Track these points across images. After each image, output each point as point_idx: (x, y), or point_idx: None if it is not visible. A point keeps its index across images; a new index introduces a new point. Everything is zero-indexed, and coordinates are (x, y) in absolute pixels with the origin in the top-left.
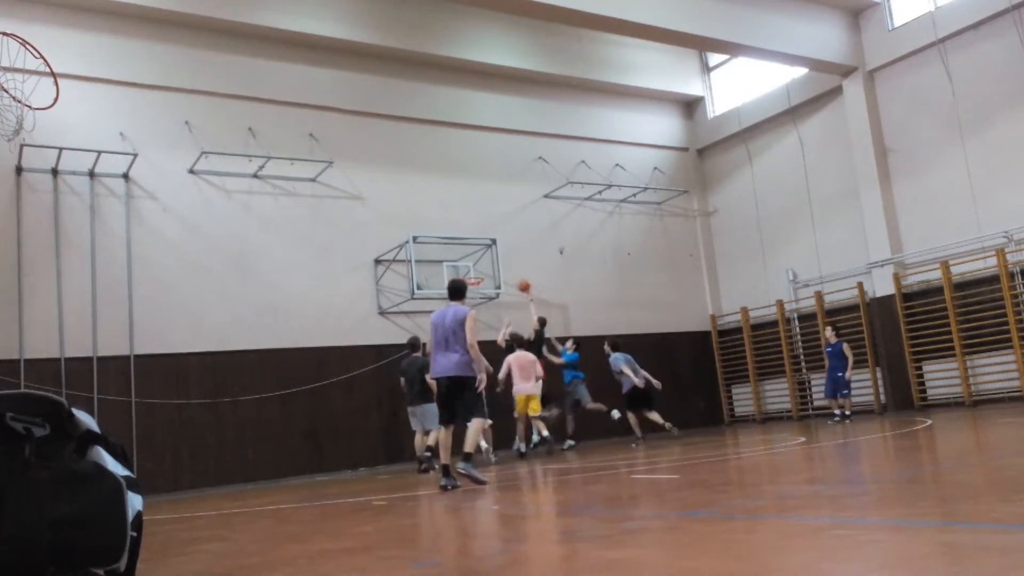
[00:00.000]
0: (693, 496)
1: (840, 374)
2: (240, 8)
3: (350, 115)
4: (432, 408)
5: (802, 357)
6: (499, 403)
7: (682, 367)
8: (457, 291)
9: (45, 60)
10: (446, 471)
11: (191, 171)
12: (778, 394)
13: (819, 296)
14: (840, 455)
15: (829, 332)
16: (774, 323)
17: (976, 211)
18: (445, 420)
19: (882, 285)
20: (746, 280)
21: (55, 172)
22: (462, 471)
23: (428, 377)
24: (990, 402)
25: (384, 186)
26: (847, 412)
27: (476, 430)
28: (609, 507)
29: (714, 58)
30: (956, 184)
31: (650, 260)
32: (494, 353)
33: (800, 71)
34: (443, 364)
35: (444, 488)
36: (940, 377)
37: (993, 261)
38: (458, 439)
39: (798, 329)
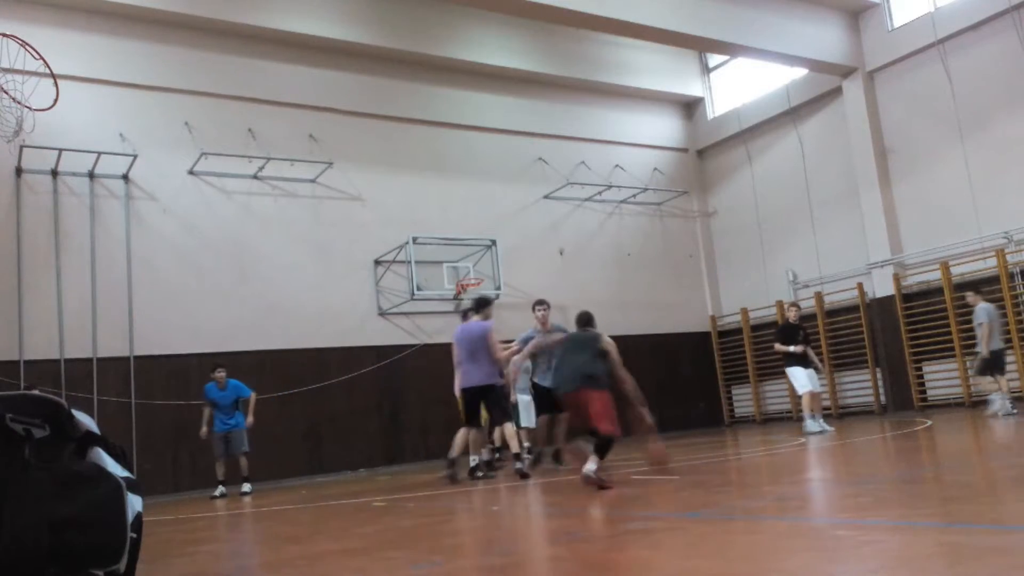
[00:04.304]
0: (693, 497)
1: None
2: (240, 8)
3: (350, 116)
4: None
5: None
6: None
7: (682, 368)
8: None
9: (45, 61)
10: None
11: (191, 172)
12: (778, 395)
13: (819, 297)
14: (840, 456)
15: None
16: (774, 324)
17: (976, 211)
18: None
19: (882, 286)
20: (746, 281)
21: (55, 173)
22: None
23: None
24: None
25: (384, 187)
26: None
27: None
28: (609, 508)
29: (714, 59)
30: (956, 184)
31: (650, 261)
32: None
33: (800, 72)
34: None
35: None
36: (940, 378)
37: (993, 262)
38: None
39: None
